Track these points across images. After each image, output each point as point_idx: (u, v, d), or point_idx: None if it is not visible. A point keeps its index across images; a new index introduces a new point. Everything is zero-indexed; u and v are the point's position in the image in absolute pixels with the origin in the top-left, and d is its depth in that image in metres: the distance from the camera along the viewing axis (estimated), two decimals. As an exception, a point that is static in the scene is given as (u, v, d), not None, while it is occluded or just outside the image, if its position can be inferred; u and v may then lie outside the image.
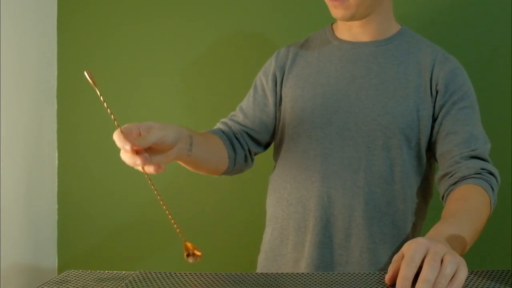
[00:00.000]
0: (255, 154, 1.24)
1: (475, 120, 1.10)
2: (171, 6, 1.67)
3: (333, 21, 1.24)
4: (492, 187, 1.02)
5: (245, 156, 1.20)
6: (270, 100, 1.21)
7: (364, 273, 0.80)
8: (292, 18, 1.62)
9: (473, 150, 1.06)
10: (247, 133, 1.21)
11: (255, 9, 1.64)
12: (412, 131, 1.12)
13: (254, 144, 1.22)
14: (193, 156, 1.00)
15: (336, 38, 1.20)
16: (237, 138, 1.18)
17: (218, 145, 1.14)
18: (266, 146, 1.26)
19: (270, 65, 1.24)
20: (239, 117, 1.22)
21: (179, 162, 1.02)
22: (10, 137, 1.49)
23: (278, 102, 1.21)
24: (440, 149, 1.10)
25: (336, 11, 1.13)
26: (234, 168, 1.18)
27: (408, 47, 1.17)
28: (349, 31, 1.19)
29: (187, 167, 1.07)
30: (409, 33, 1.20)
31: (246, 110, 1.22)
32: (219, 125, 1.22)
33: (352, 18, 1.13)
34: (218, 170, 1.16)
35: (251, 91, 1.25)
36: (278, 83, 1.21)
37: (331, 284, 0.76)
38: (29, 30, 1.57)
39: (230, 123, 1.21)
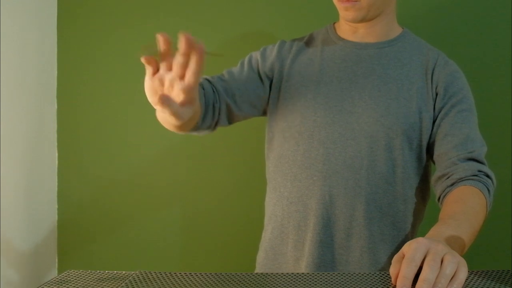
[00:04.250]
0: (221, 126, 1.17)
1: (472, 123, 1.11)
2: (172, 6, 1.67)
3: (334, 20, 1.24)
4: (488, 189, 1.02)
5: (209, 126, 1.13)
6: (265, 83, 1.19)
7: (364, 273, 0.80)
8: (292, 18, 1.62)
9: (470, 152, 1.06)
10: (227, 104, 1.14)
11: (255, 9, 1.64)
12: (414, 133, 1.12)
13: (225, 118, 1.16)
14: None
15: (340, 38, 1.20)
16: (213, 108, 1.11)
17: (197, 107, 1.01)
18: (233, 122, 1.20)
19: (271, 53, 1.22)
20: (228, 83, 1.15)
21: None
22: (10, 137, 1.49)
23: (276, 97, 1.21)
24: (437, 151, 1.11)
25: (347, 13, 1.13)
26: (194, 131, 1.09)
27: (410, 49, 1.18)
28: (354, 32, 1.19)
29: (163, 114, 0.92)
30: (411, 36, 1.21)
31: (238, 81, 1.17)
32: (205, 83, 1.12)
33: (363, 19, 1.13)
34: (183, 128, 1.04)
35: (245, 64, 1.21)
36: (276, 75, 1.20)
37: (331, 284, 0.76)
38: (29, 30, 1.57)
39: (218, 87, 1.13)
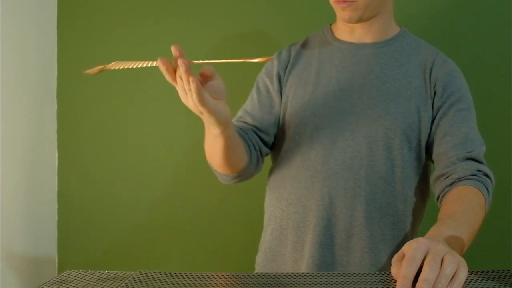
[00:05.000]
0: (266, 155, 1.22)
1: (471, 122, 1.11)
2: (171, 6, 1.67)
3: (332, 21, 1.24)
4: (487, 189, 1.02)
5: (257, 157, 1.17)
6: (277, 100, 1.20)
7: (364, 273, 0.80)
8: (292, 18, 1.62)
9: (469, 152, 1.06)
10: (256, 134, 1.18)
11: (255, 9, 1.64)
12: (413, 132, 1.12)
13: (264, 145, 1.20)
14: (232, 132, 1.02)
15: (336, 39, 1.20)
16: (249, 138, 1.16)
17: (239, 137, 1.10)
18: (273, 146, 1.24)
19: (273, 66, 1.23)
20: (247, 119, 1.20)
21: (217, 133, 1.00)
22: (10, 137, 1.49)
23: (279, 101, 1.21)
24: (436, 150, 1.11)
25: (343, 13, 1.13)
26: (249, 167, 1.14)
27: (408, 48, 1.18)
28: (351, 33, 1.19)
29: (217, 146, 1.04)
30: (409, 35, 1.21)
31: (252, 113, 1.20)
32: None
33: (359, 20, 1.13)
34: (237, 164, 1.11)
35: (254, 93, 1.23)
36: (283, 83, 1.21)
37: (331, 284, 0.76)
38: (29, 30, 1.57)
39: (238, 124, 1.18)
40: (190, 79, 0.86)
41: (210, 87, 0.90)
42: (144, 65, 0.88)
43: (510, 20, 1.52)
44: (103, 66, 0.90)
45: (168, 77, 0.88)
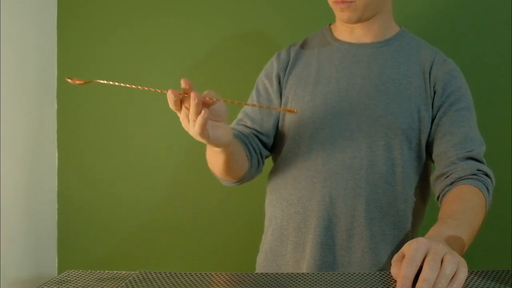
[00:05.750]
0: (266, 157, 1.23)
1: (471, 122, 1.11)
2: (171, 6, 1.67)
3: (332, 21, 1.24)
4: (487, 188, 1.02)
5: (258, 160, 1.18)
6: (276, 102, 1.20)
7: (364, 273, 0.80)
8: (292, 18, 1.62)
9: (469, 151, 1.06)
10: (256, 136, 1.19)
11: (255, 9, 1.64)
12: (413, 132, 1.12)
13: (263, 148, 1.20)
14: (234, 147, 1.02)
15: (336, 40, 1.20)
16: (249, 142, 1.16)
17: (240, 145, 1.12)
18: (274, 147, 1.24)
19: (272, 67, 1.23)
20: (246, 122, 1.20)
21: (219, 151, 1.00)
22: (10, 137, 1.49)
23: (279, 101, 1.21)
24: (436, 150, 1.11)
25: (342, 14, 1.13)
26: (250, 172, 1.15)
27: (408, 48, 1.18)
28: (351, 33, 1.19)
29: (219, 160, 1.05)
30: (409, 35, 1.21)
31: (252, 115, 1.21)
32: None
33: (358, 20, 1.13)
34: (239, 172, 1.13)
35: (254, 95, 1.23)
36: (282, 84, 1.21)
37: (331, 284, 0.76)
38: (29, 30, 1.57)
39: (238, 127, 1.19)
40: (202, 112, 0.85)
41: (213, 111, 0.89)
42: (152, 90, 0.89)
43: (510, 20, 1.52)
44: (113, 83, 0.91)
45: (172, 106, 0.87)
